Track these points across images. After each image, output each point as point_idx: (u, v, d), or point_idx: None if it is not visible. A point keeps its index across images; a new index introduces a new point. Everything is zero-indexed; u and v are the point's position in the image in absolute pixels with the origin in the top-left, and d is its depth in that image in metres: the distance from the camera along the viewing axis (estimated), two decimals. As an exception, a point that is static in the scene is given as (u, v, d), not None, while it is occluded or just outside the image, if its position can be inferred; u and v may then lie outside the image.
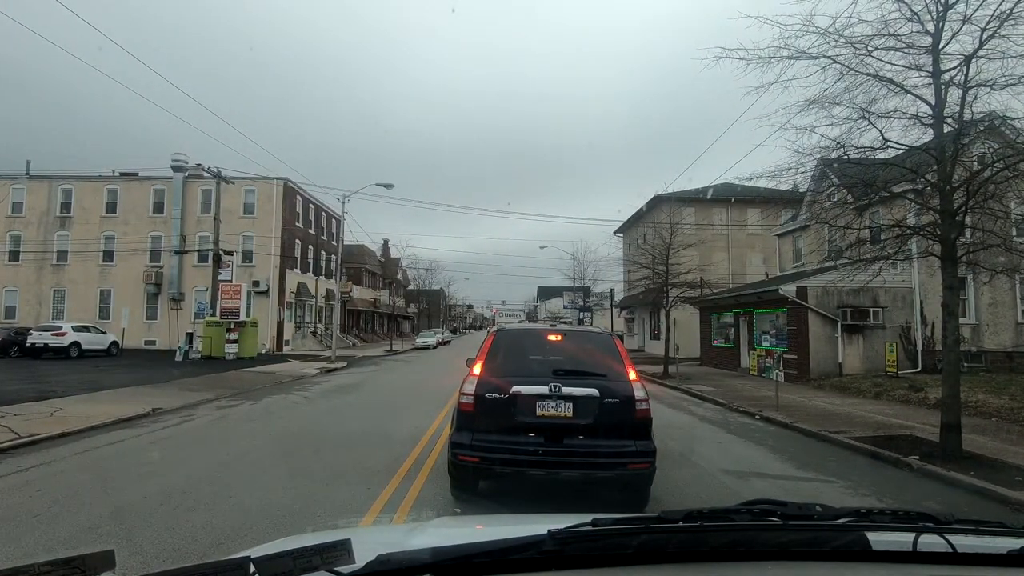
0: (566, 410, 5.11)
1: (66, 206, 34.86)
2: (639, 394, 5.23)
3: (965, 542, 1.33)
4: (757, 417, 11.86)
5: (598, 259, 64.79)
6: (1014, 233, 10.03)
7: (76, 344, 25.64)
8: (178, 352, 26.01)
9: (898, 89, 7.85)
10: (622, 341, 7.39)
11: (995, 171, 7.69)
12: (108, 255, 34.39)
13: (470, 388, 5.28)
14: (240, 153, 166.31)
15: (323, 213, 42.05)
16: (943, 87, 7.62)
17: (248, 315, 29.49)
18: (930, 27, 7.53)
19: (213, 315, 26.78)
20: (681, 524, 1.32)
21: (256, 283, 32.91)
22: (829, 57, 7.84)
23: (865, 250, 9.67)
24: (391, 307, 56.52)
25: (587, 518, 1.35)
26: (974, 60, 7.34)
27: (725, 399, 14.21)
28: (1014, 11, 6.99)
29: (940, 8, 7.44)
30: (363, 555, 1.16)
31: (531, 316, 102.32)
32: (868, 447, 8.59)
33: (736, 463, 7.78)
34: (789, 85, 8.13)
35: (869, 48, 7.69)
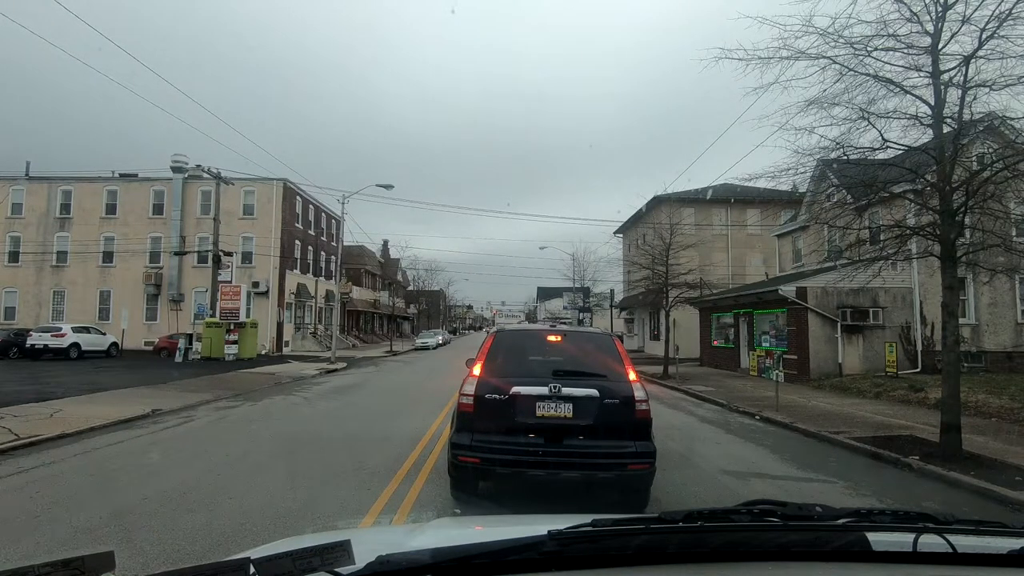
0: (566, 411, 5.11)
1: (66, 207, 34.87)
2: (639, 394, 5.23)
3: (965, 542, 1.33)
4: (757, 417, 11.86)
5: (598, 259, 64.98)
6: (1014, 233, 10.03)
7: (76, 345, 25.67)
8: (178, 353, 26.01)
9: (897, 89, 7.85)
10: (622, 342, 7.38)
11: (994, 171, 7.69)
12: (108, 256, 34.40)
13: (470, 389, 5.27)
14: (239, 154, 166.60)
15: (323, 214, 42.05)
16: (942, 87, 7.63)
17: (248, 316, 29.50)
18: (929, 27, 7.54)
19: (213, 316, 26.77)
20: (681, 525, 1.32)
21: (256, 284, 32.91)
22: (828, 58, 7.85)
23: (865, 250, 9.67)
24: (391, 308, 56.47)
25: (587, 519, 1.35)
26: (973, 60, 7.34)
27: (725, 399, 14.20)
28: (1013, 11, 7.00)
29: (939, 8, 7.45)
30: (363, 556, 1.15)
31: (531, 317, 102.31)
32: (868, 447, 8.58)
33: (736, 464, 7.78)
34: (788, 85, 8.14)
35: (868, 48, 7.70)
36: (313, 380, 19.24)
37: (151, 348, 30.97)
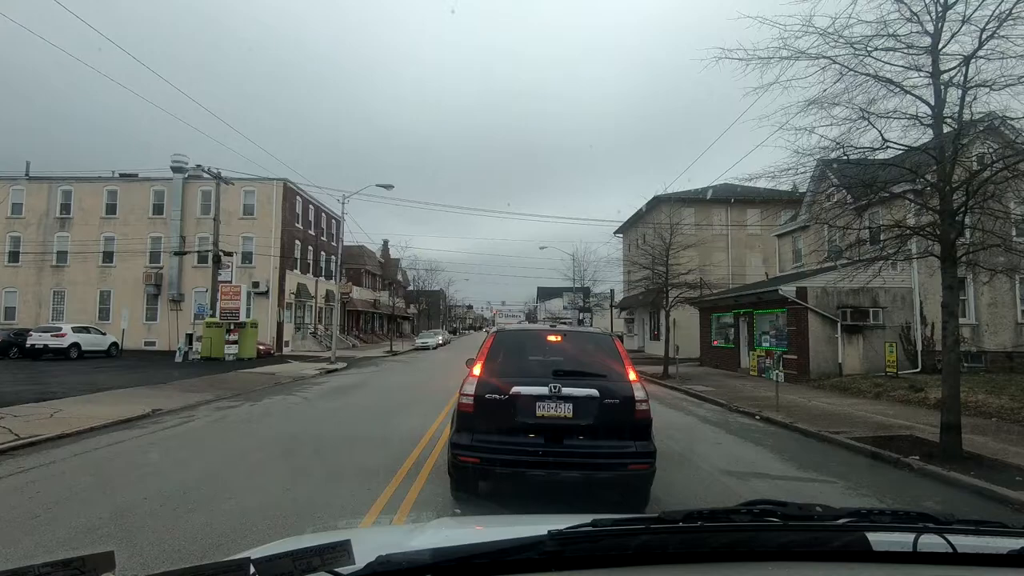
0: (566, 411, 5.11)
1: (66, 207, 34.87)
2: (639, 395, 5.23)
3: (965, 542, 1.33)
4: (757, 417, 11.86)
5: (598, 259, 65.04)
6: (1014, 233, 10.03)
7: (76, 345, 25.64)
8: (178, 353, 26.01)
9: (897, 89, 7.85)
10: (622, 342, 7.38)
11: (994, 171, 7.69)
12: (108, 256, 34.40)
13: (470, 389, 5.27)
14: (240, 154, 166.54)
15: (323, 214, 42.05)
16: (942, 87, 7.63)
17: (248, 316, 29.50)
18: (929, 27, 7.54)
19: (213, 316, 26.78)
20: (681, 525, 1.32)
21: (256, 284, 32.90)
22: (828, 57, 7.84)
23: (865, 250, 9.67)
24: (391, 308, 56.45)
25: (587, 519, 1.35)
26: (973, 60, 7.34)
27: (725, 399, 14.20)
28: (1013, 11, 7.00)
29: (939, 8, 7.45)
30: (363, 556, 1.16)
31: (531, 317, 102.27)
32: (868, 447, 8.58)
33: (736, 464, 7.78)
34: (788, 85, 8.13)
35: (868, 48, 7.69)
36: (313, 380, 19.24)
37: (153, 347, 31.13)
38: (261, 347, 29.34)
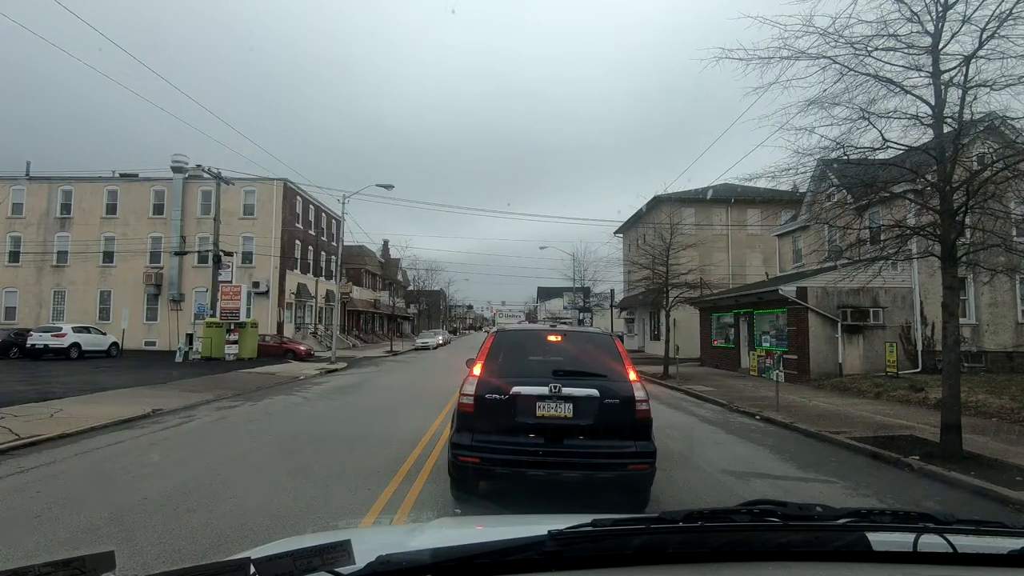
0: (566, 411, 5.11)
1: (66, 207, 34.90)
2: (639, 395, 5.23)
3: (966, 542, 1.33)
4: (757, 418, 11.86)
5: (598, 259, 65.11)
6: (1014, 233, 10.03)
7: (76, 345, 25.66)
8: (178, 353, 26.02)
9: (898, 89, 7.85)
10: (622, 342, 7.38)
11: (995, 171, 7.69)
12: (108, 256, 34.42)
13: (470, 389, 5.27)
14: (240, 154, 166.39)
15: (323, 214, 42.06)
16: (943, 87, 7.62)
17: (248, 316, 29.51)
18: (930, 27, 7.54)
19: (213, 316, 26.79)
20: (681, 525, 1.32)
21: (256, 284, 32.91)
22: (829, 57, 7.84)
23: (865, 250, 9.67)
24: (391, 308, 56.50)
25: (587, 519, 1.35)
26: (974, 60, 7.34)
27: (725, 400, 14.20)
28: (1014, 11, 7.00)
29: (940, 8, 7.45)
30: (363, 556, 1.16)
31: (531, 317, 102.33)
32: (868, 447, 8.58)
33: (736, 463, 7.78)
34: (789, 85, 8.13)
35: (869, 48, 7.69)
36: (313, 380, 19.24)
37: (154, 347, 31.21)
38: (302, 347, 29.40)
